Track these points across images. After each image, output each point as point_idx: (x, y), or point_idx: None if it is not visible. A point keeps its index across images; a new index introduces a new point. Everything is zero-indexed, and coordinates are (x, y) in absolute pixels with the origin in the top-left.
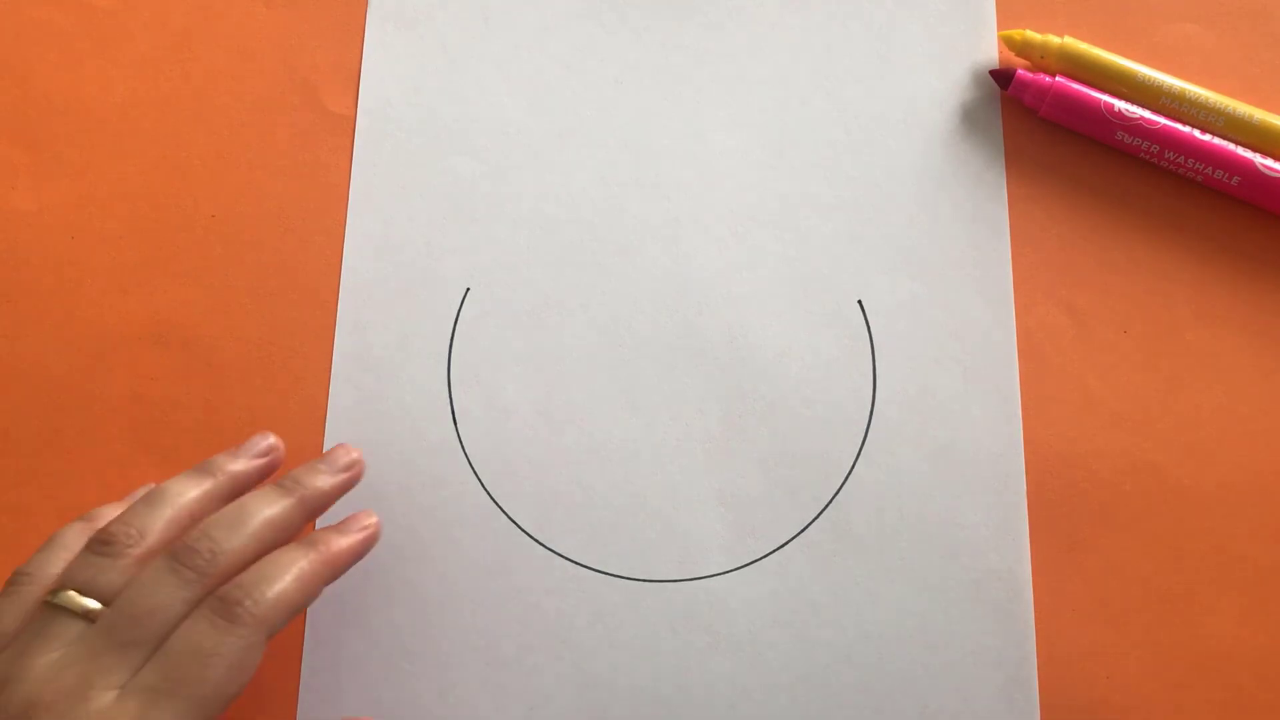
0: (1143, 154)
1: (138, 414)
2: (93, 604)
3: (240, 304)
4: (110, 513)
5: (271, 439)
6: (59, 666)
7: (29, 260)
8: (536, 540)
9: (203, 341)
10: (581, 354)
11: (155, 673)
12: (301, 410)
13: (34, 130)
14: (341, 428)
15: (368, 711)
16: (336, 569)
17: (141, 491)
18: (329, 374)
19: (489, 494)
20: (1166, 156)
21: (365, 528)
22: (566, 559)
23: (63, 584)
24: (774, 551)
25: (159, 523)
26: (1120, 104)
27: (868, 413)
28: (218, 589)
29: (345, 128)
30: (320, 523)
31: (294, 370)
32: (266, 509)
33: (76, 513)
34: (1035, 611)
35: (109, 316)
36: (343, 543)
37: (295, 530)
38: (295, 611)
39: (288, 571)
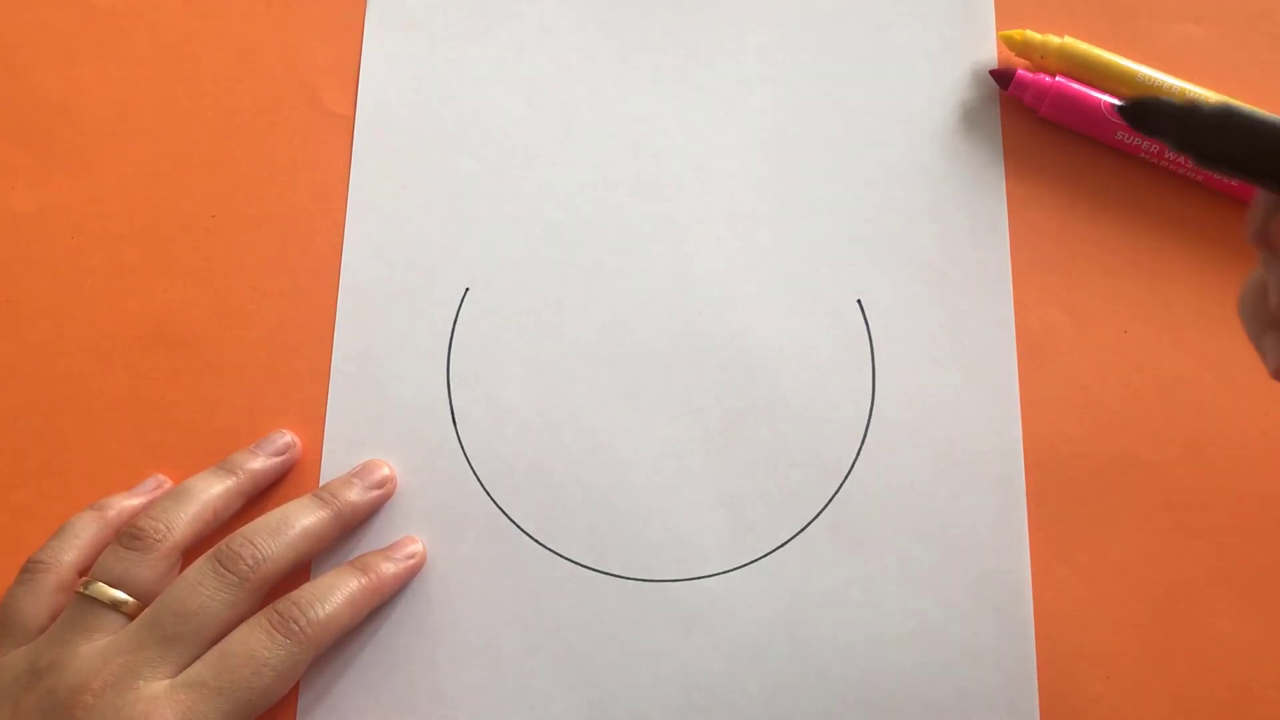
0: (1143, 154)
1: (138, 414)
2: (123, 597)
3: (240, 304)
4: (119, 502)
5: (289, 436)
6: (105, 655)
7: (29, 260)
8: (536, 540)
9: (203, 341)
10: (581, 354)
11: (208, 670)
12: (301, 410)
13: (34, 130)
14: (341, 428)
15: (367, 712)
16: (384, 595)
17: (151, 482)
18: (329, 374)
19: (489, 494)
20: (1166, 156)
21: (411, 555)
22: (566, 559)
23: (93, 576)
24: (774, 551)
25: (185, 518)
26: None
27: (867, 413)
28: (275, 602)
29: (345, 128)
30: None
31: (294, 370)
32: (305, 519)
33: (77, 512)
34: (1035, 611)
35: (109, 316)
36: (391, 569)
37: (331, 541)
38: (344, 633)
39: (340, 595)
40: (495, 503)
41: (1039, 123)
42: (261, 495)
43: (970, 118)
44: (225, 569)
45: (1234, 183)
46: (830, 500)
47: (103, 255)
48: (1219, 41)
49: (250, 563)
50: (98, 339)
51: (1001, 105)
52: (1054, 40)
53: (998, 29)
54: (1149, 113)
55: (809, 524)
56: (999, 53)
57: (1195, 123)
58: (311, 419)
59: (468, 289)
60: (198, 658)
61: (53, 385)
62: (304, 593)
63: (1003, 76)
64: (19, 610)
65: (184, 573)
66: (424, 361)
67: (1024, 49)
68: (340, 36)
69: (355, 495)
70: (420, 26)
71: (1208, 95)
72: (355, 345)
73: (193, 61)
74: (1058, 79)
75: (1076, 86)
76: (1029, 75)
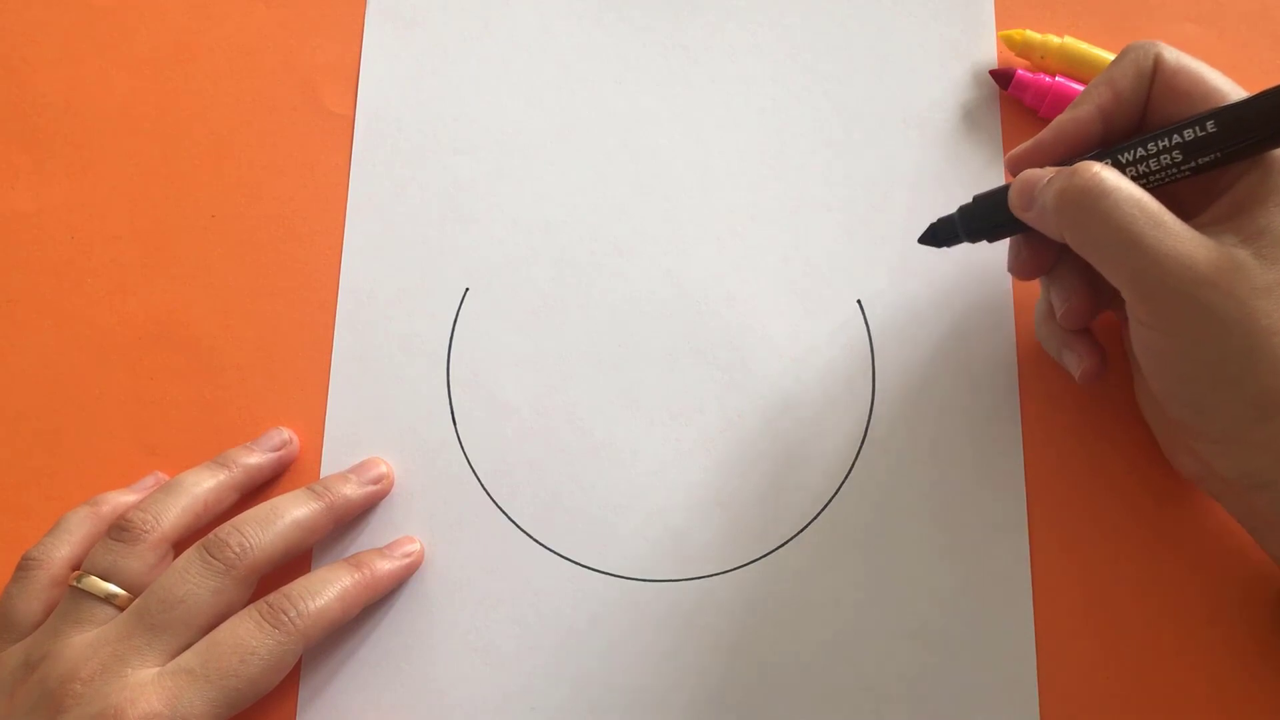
0: None
1: (138, 414)
2: (114, 589)
3: (240, 304)
4: (114, 498)
5: (286, 433)
6: (94, 645)
7: (29, 260)
8: (536, 540)
9: (203, 341)
10: (581, 354)
11: (196, 658)
12: (301, 410)
13: (34, 130)
14: (341, 428)
15: (367, 713)
16: (377, 592)
17: (150, 479)
18: (329, 374)
19: (489, 494)
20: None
21: (408, 554)
22: (566, 559)
23: (85, 570)
24: (773, 551)
25: (174, 510)
26: None
27: (867, 413)
28: (267, 595)
29: (345, 128)
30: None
31: (294, 370)
32: (295, 510)
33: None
34: (1035, 612)
35: (109, 316)
36: (385, 567)
37: (322, 533)
38: (335, 627)
39: (332, 589)
40: (495, 503)
41: (1039, 123)
42: (259, 492)
43: (970, 118)
44: (212, 556)
45: None
46: (830, 500)
47: (103, 255)
48: (1219, 41)
49: (238, 550)
50: (98, 339)
51: (1001, 105)
52: (1054, 40)
53: (998, 29)
54: (937, 231)
55: (809, 524)
56: (999, 53)
57: (966, 217)
58: (311, 419)
59: (468, 289)
60: (187, 647)
61: (53, 385)
62: (296, 586)
63: (1003, 76)
64: (14, 607)
65: (173, 562)
66: (424, 361)
67: (1024, 49)
68: (340, 36)
69: (349, 489)
70: (420, 26)
71: None
72: (355, 345)
73: (193, 61)
74: (1058, 79)
75: (1076, 86)
76: (1029, 75)
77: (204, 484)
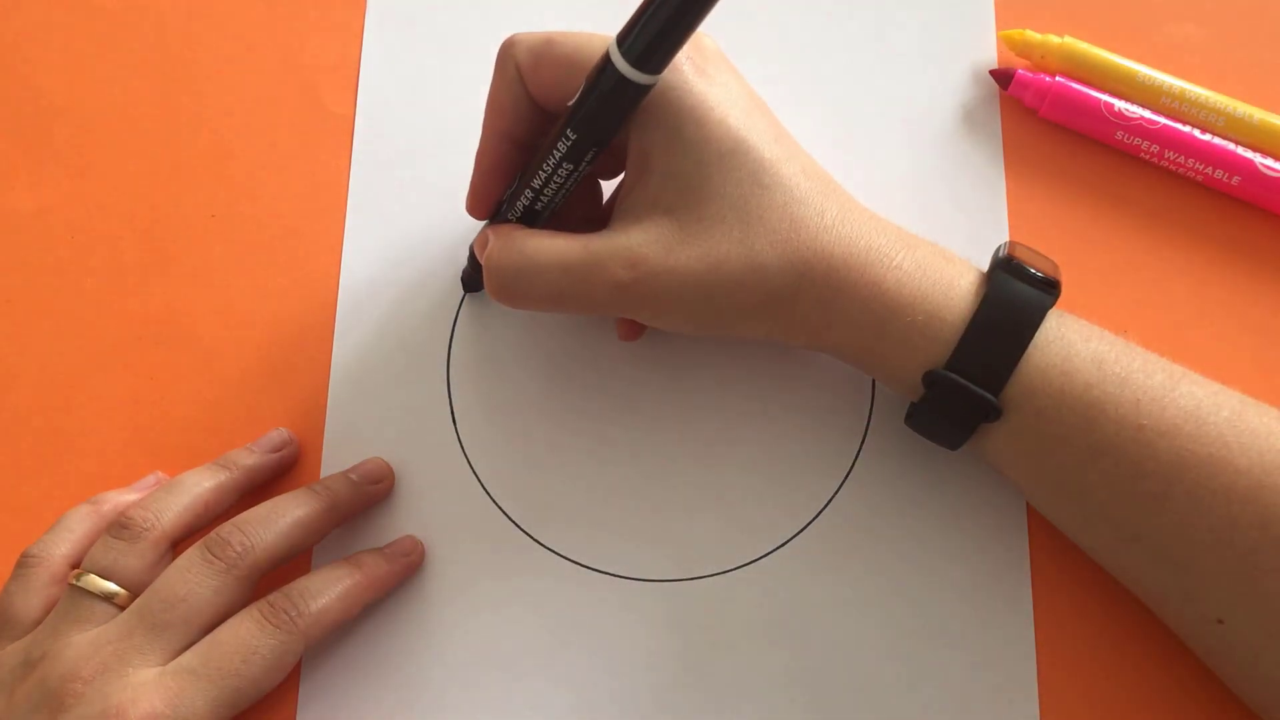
0: (1143, 154)
1: (138, 414)
2: (114, 588)
3: (240, 304)
4: (115, 497)
5: (286, 434)
6: (95, 644)
7: (29, 260)
8: (536, 540)
9: (203, 341)
10: (581, 353)
11: (197, 658)
12: (301, 410)
13: (34, 130)
14: (341, 428)
15: (367, 713)
16: (378, 592)
17: (150, 479)
18: (329, 374)
19: (489, 494)
20: (1166, 156)
21: (408, 554)
22: (566, 559)
23: (84, 568)
24: (772, 551)
25: (174, 509)
26: (1120, 104)
27: (867, 413)
28: (269, 595)
29: (344, 127)
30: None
31: (294, 370)
32: (297, 510)
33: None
34: (1035, 612)
35: (109, 316)
36: (386, 567)
37: (323, 534)
38: (336, 627)
39: (333, 589)
40: (495, 503)
41: (1039, 123)
42: (259, 493)
43: (970, 118)
44: (214, 555)
45: (1234, 184)
46: (829, 501)
47: (103, 255)
48: (1219, 41)
49: (239, 550)
50: (98, 339)
51: (1001, 105)
52: (1054, 40)
53: (998, 29)
54: (466, 281)
55: (808, 525)
56: (999, 53)
57: (471, 262)
58: (311, 419)
59: None
60: (188, 646)
61: (53, 385)
62: (297, 586)
63: (1003, 76)
64: (13, 605)
65: (174, 561)
66: (424, 361)
67: (1024, 49)
68: (340, 36)
69: (349, 489)
70: (420, 26)
71: (1207, 95)
72: (355, 345)
73: (193, 61)
74: (1058, 79)
75: (1076, 86)
76: (1029, 75)
77: (204, 484)
